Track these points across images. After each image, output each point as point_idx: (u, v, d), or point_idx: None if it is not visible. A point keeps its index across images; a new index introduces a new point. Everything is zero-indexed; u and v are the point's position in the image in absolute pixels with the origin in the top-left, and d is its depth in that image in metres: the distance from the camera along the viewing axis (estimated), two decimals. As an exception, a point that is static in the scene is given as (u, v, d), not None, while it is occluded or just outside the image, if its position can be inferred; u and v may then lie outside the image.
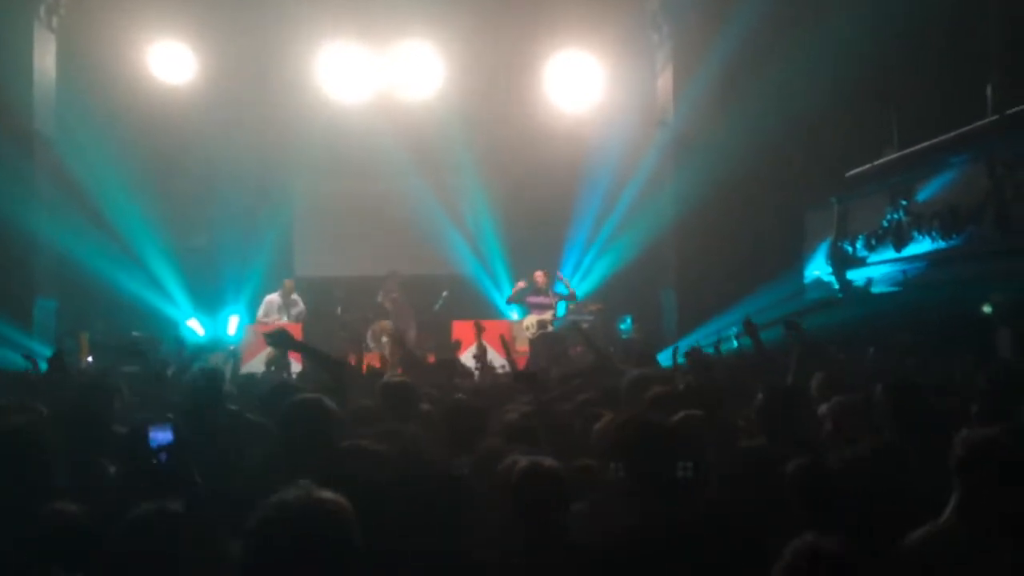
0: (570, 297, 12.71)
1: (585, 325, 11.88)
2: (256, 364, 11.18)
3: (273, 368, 10.59)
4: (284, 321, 12.87)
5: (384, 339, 12.53)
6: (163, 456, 2.94)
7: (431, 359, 8.79)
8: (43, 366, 6.76)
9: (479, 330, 7.61)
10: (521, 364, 8.30)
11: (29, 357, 7.18)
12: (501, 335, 8.53)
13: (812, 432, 4.05)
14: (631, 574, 2.76)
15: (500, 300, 13.91)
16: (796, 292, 11.71)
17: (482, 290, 14.58)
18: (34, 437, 3.15)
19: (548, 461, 2.96)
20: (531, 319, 12.58)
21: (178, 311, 13.67)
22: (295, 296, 13.30)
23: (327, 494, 1.97)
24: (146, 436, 2.97)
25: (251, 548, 1.87)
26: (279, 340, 5.06)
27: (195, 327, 13.56)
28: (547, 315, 12.58)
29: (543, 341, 12.01)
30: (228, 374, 6.78)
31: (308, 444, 3.45)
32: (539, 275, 12.87)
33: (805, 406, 4.27)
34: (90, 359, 11.58)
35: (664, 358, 8.50)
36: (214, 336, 13.34)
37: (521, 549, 2.82)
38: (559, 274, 13.01)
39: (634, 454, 3.02)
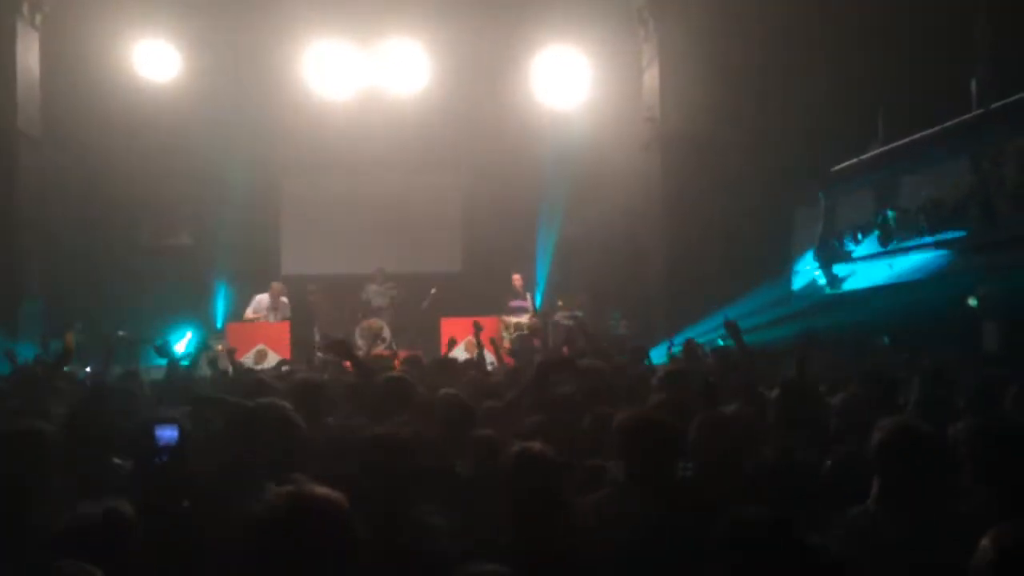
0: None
1: (572, 322, 11.96)
2: (247, 361, 11.10)
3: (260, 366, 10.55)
4: (271, 320, 12.82)
5: (383, 337, 12.61)
6: (165, 456, 2.92)
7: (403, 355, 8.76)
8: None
9: (477, 329, 7.54)
10: (509, 363, 8.29)
11: (10, 356, 7.09)
12: (492, 338, 8.49)
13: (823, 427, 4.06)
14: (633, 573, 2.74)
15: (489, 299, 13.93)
16: (784, 287, 11.79)
17: (470, 288, 14.54)
18: (38, 439, 3.08)
19: (538, 446, 2.89)
20: (509, 321, 12.77)
21: (165, 312, 13.52)
22: (284, 299, 13.25)
23: (321, 489, 1.94)
24: (151, 434, 2.95)
25: (247, 547, 1.85)
26: (335, 350, 5.34)
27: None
28: (524, 317, 12.89)
29: (521, 341, 12.26)
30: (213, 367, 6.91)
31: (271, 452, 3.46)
32: (516, 278, 13.33)
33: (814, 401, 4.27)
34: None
35: (657, 354, 8.52)
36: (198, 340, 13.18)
37: (519, 546, 2.72)
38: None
39: (640, 454, 2.99)
